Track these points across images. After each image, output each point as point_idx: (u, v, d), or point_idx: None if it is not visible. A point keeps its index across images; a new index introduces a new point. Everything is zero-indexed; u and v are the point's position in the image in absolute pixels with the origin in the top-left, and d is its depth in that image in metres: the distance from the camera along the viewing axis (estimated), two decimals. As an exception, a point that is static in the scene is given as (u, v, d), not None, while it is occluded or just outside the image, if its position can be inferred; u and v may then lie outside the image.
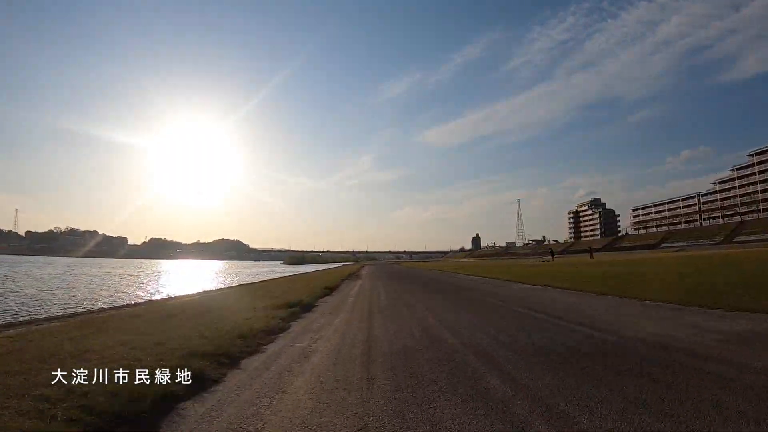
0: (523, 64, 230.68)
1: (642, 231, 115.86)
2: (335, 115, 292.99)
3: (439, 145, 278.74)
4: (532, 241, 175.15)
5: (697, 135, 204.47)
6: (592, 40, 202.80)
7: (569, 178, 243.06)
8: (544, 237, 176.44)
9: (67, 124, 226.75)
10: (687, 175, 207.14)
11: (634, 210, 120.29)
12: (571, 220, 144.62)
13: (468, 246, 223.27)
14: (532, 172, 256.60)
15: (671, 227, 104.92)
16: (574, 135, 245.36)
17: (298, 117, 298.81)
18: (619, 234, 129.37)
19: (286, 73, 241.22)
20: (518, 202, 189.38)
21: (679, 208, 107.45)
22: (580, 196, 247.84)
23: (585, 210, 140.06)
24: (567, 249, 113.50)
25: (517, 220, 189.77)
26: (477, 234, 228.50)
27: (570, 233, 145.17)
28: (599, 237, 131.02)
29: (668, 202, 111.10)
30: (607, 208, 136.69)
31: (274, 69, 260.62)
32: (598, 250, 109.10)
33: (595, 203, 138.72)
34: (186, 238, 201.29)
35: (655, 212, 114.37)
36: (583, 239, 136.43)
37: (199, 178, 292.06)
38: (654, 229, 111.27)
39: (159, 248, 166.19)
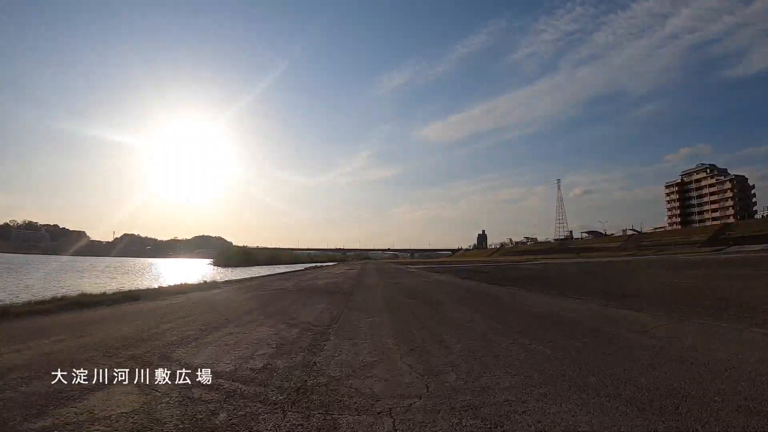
0: (528, 56, 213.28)
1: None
2: (332, 109, 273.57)
3: (437, 141, 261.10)
4: (588, 233, 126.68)
5: (697, 132, 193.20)
6: (600, 31, 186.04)
7: (567, 176, 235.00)
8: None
9: (43, 121, 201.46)
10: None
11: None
12: (674, 196, 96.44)
13: (468, 244, 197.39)
14: (530, 170, 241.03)
15: None
16: (575, 131, 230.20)
17: (293, 112, 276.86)
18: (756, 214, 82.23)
19: (282, 66, 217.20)
20: (558, 182, 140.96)
21: None
22: (577, 194, 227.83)
23: (703, 178, 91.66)
24: None
25: (557, 208, 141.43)
26: (483, 231, 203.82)
27: (672, 214, 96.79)
28: (732, 219, 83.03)
29: None
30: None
31: (269, 63, 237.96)
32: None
33: (715, 169, 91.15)
34: (165, 235, 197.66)
35: None
36: (698, 224, 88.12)
37: (187, 174, 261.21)
38: None
39: (130, 245, 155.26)
